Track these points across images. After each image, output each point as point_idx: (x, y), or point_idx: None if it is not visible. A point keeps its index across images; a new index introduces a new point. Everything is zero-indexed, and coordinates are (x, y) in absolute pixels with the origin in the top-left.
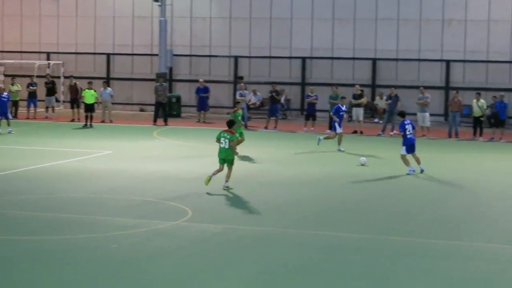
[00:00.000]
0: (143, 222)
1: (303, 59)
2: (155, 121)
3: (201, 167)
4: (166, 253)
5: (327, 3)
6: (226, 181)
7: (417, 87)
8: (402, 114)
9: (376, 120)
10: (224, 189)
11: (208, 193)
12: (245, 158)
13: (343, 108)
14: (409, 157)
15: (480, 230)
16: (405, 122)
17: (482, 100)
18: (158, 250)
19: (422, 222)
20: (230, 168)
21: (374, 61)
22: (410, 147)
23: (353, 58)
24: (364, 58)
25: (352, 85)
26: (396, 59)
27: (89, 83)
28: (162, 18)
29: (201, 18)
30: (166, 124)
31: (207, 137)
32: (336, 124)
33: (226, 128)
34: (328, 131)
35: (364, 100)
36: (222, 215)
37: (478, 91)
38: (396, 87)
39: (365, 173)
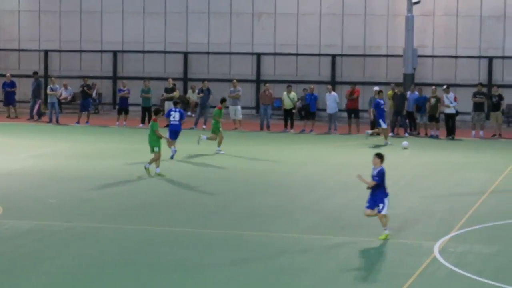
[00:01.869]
0: None
1: (115, 52)
2: None
3: (13, 163)
4: None
5: None
6: (157, 167)
7: (228, 80)
8: (175, 103)
9: (188, 113)
10: (157, 175)
11: (20, 189)
12: (55, 154)
13: (382, 102)
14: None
15: (293, 222)
16: (172, 109)
17: (293, 93)
18: None
19: (235, 215)
20: (154, 154)
21: (186, 54)
22: (171, 133)
23: (165, 52)
24: (175, 52)
25: (165, 79)
26: (207, 53)
27: None
28: None
29: (9, 11)
30: None
31: (17, 132)
32: (380, 120)
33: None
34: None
35: (176, 94)
36: (35, 211)
37: (289, 83)
38: (208, 80)
39: (180, 167)
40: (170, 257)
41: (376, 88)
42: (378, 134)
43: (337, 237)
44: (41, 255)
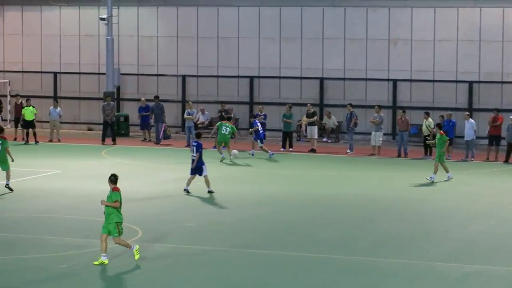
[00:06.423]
0: (92, 241)
1: (251, 78)
2: (103, 140)
3: (150, 186)
4: (115, 273)
5: (274, 22)
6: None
7: (363, 107)
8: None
9: (324, 139)
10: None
11: (158, 213)
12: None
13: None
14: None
15: (427, 249)
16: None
17: (430, 119)
18: (108, 270)
19: (369, 241)
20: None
21: (322, 80)
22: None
23: (301, 78)
24: (311, 78)
25: (301, 104)
26: (343, 79)
27: (27, 100)
28: (109, 37)
29: (148, 37)
30: (114, 143)
31: (155, 156)
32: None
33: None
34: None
35: (316, 119)
36: (172, 234)
37: (426, 110)
38: (345, 106)
39: (310, 194)
40: (303, 282)
41: None
42: None
43: (472, 265)
44: (177, 277)
